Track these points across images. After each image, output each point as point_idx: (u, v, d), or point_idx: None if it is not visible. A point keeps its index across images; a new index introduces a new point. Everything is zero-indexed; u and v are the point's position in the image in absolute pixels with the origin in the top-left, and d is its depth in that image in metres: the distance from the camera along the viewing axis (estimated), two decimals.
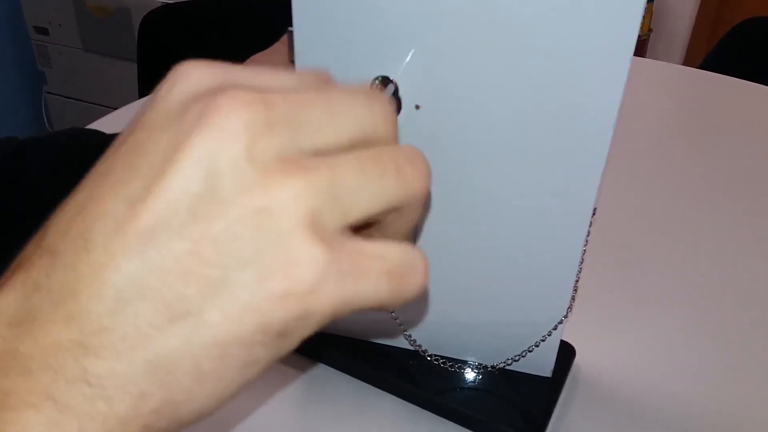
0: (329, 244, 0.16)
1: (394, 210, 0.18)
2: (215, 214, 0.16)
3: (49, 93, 1.79)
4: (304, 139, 0.17)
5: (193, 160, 0.16)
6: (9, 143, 0.41)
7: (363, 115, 0.18)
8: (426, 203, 0.19)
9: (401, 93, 0.30)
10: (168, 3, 1.09)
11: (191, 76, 0.17)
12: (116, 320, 0.16)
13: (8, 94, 1.80)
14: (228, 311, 0.16)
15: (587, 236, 0.33)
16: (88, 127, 0.50)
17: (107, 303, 0.16)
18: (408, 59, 0.29)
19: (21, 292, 0.16)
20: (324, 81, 0.20)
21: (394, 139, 0.19)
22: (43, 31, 1.67)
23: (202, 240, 0.16)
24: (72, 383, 0.16)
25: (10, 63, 1.77)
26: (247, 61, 0.41)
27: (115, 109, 0.77)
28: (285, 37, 0.33)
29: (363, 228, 0.20)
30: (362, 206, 0.17)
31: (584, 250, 0.34)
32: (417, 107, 0.31)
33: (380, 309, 0.18)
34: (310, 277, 0.16)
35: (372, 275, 0.17)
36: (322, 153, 0.17)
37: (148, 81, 1.08)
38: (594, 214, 0.33)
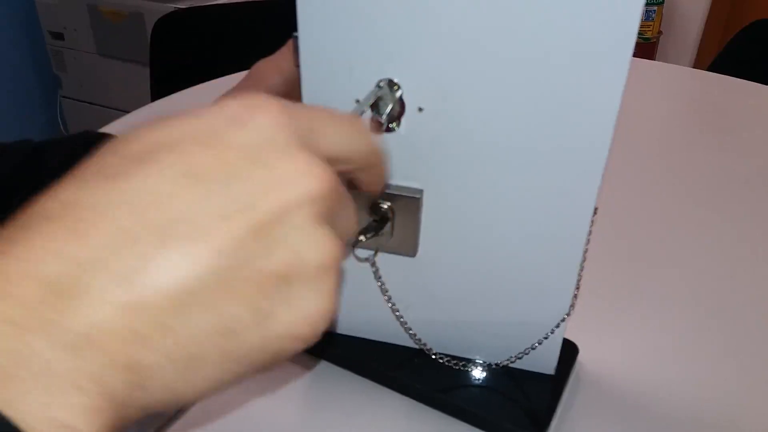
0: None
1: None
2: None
3: (65, 97, 1.82)
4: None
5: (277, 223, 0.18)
6: (26, 145, 0.42)
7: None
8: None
9: (404, 96, 0.31)
10: (180, 8, 1.10)
11: (269, 121, 0.19)
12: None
13: (25, 98, 1.83)
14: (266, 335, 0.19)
15: (589, 235, 0.34)
16: (102, 130, 0.52)
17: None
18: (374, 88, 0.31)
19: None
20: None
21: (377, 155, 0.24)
22: (58, 36, 1.69)
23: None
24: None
25: (26, 68, 1.80)
26: (253, 67, 0.42)
27: (128, 112, 0.78)
28: (290, 42, 0.33)
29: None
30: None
31: (586, 249, 0.34)
32: (420, 110, 0.31)
33: None
34: (322, 326, 0.20)
35: None
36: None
37: (160, 84, 1.09)
38: (595, 213, 0.33)
